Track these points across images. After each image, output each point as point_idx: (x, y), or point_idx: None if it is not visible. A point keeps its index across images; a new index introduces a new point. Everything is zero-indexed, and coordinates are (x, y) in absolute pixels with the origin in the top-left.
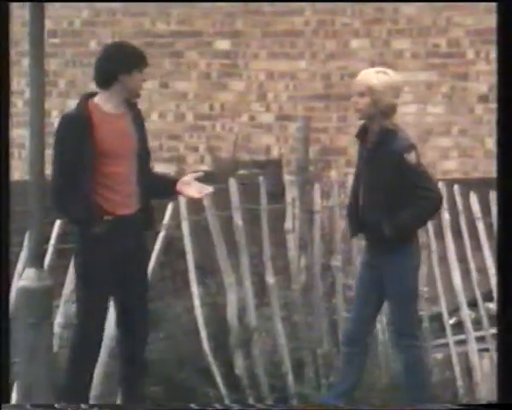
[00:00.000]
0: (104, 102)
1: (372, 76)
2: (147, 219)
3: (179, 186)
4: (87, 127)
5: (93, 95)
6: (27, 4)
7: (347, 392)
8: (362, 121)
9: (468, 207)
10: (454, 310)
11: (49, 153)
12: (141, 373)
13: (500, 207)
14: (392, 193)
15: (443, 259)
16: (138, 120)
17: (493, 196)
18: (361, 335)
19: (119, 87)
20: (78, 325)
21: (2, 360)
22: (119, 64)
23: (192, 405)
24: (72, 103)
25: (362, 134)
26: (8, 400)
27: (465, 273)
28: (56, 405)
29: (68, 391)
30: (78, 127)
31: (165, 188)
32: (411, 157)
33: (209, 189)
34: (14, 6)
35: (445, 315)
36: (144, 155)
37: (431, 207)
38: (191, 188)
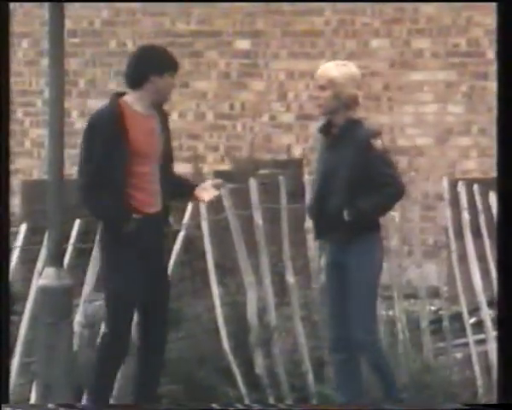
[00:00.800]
0: (134, 102)
1: (332, 69)
2: (167, 218)
3: (197, 191)
4: (120, 126)
5: (123, 94)
6: (47, 4)
7: (355, 396)
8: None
9: (487, 207)
10: (474, 309)
11: (68, 152)
12: (159, 373)
13: (500, 208)
14: (355, 180)
15: (463, 258)
16: (165, 123)
17: None
18: (346, 339)
19: (150, 88)
20: (107, 324)
21: (3, 360)
22: (151, 65)
23: (214, 405)
24: (92, 103)
25: (326, 129)
26: (8, 400)
27: (485, 273)
28: (49, 405)
29: (94, 391)
30: (112, 126)
31: (185, 191)
32: (378, 143)
33: (215, 193)
34: (33, 6)
35: (465, 315)
36: (168, 157)
37: (393, 196)
38: (206, 193)
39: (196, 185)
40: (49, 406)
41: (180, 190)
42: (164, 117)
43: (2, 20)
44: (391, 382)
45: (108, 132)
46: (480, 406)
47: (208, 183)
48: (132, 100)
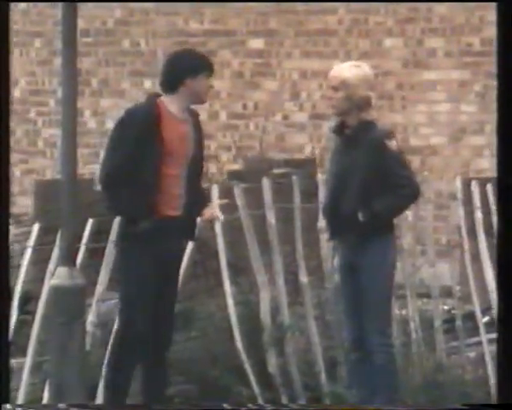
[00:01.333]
0: (171, 105)
1: (345, 70)
2: (189, 224)
3: (206, 211)
4: (156, 127)
5: (159, 95)
6: (60, 3)
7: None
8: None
9: None
10: (487, 309)
11: (81, 152)
12: (166, 373)
13: (500, 208)
14: (369, 181)
15: (476, 258)
16: (198, 128)
17: None
18: (362, 340)
19: (185, 91)
20: (120, 319)
21: (3, 360)
22: (185, 68)
23: (225, 405)
24: (104, 103)
25: (338, 129)
26: (7, 400)
27: None
28: (60, 405)
29: (111, 388)
30: (148, 126)
31: (198, 203)
32: (392, 143)
33: (219, 217)
34: (46, 5)
35: (478, 314)
36: (198, 162)
37: (407, 198)
38: (208, 211)
39: (208, 202)
40: (60, 406)
41: (195, 199)
42: (197, 121)
43: (2, 20)
44: (392, 389)
45: (143, 132)
46: (480, 406)
47: (216, 202)
48: (169, 102)
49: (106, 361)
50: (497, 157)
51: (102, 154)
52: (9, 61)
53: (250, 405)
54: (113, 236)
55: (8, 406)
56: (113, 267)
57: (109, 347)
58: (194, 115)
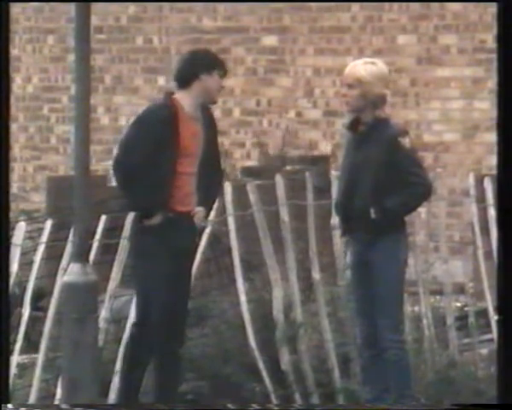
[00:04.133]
0: (184, 103)
1: (360, 68)
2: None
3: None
4: (173, 127)
5: (173, 93)
6: None
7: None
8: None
9: None
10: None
11: (94, 148)
12: (180, 370)
13: (500, 209)
14: (382, 178)
15: (488, 254)
16: (210, 124)
17: None
18: (375, 336)
19: (199, 87)
20: (136, 314)
21: (3, 360)
22: (201, 63)
23: (229, 405)
24: (118, 99)
25: (353, 126)
26: (7, 400)
27: None
28: (63, 405)
29: (125, 385)
30: (166, 126)
31: (211, 201)
32: (405, 141)
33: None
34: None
35: (491, 311)
36: (209, 159)
37: (420, 195)
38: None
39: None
40: (63, 406)
41: (206, 196)
42: (211, 119)
43: (2, 20)
44: (404, 385)
45: (162, 131)
46: (480, 406)
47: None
48: (183, 100)
49: (121, 356)
50: (497, 154)
51: (117, 150)
52: (9, 61)
53: (255, 405)
54: (125, 232)
55: (9, 406)
56: (126, 264)
57: (124, 341)
58: (207, 113)
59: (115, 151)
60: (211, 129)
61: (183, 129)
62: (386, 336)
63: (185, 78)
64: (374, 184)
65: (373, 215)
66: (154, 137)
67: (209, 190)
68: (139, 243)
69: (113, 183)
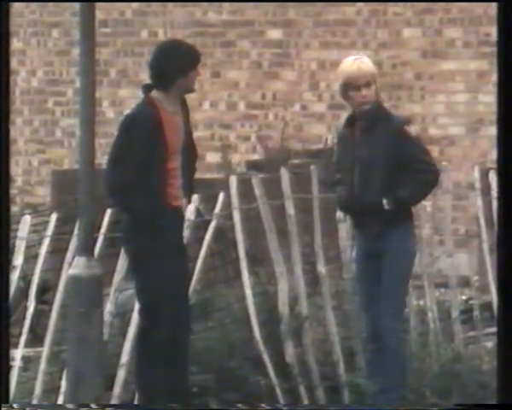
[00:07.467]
0: (163, 101)
1: (369, 64)
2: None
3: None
4: (158, 126)
5: (150, 88)
6: None
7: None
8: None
9: None
10: None
11: (99, 142)
12: (186, 368)
13: (500, 209)
14: (393, 169)
15: (494, 248)
16: (187, 117)
17: None
18: (380, 329)
19: (177, 89)
20: (141, 314)
21: (3, 360)
22: (175, 69)
23: (239, 405)
24: (123, 93)
25: (351, 122)
26: (8, 400)
27: None
28: (66, 405)
29: (142, 386)
30: (151, 127)
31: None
32: (411, 129)
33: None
34: None
35: (496, 304)
36: (191, 150)
37: (430, 182)
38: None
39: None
40: (69, 406)
41: (190, 188)
42: (186, 111)
43: (2, 20)
44: (398, 377)
45: (149, 133)
46: (480, 406)
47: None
48: (163, 100)
49: (135, 366)
50: (497, 147)
51: (107, 166)
52: (9, 61)
53: (264, 405)
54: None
55: (9, 405)
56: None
57: (132, 348)
58: (184, 105)
59: (105, 166)
60: (186, 114)
61: (167, 128)
62: (386, 323)
63: (163, 83)
64: (384, 174)
65: (386, 206)
66: (142, 145)
67: (190, 175)
68: (140, 242)
69: (108, 200)
